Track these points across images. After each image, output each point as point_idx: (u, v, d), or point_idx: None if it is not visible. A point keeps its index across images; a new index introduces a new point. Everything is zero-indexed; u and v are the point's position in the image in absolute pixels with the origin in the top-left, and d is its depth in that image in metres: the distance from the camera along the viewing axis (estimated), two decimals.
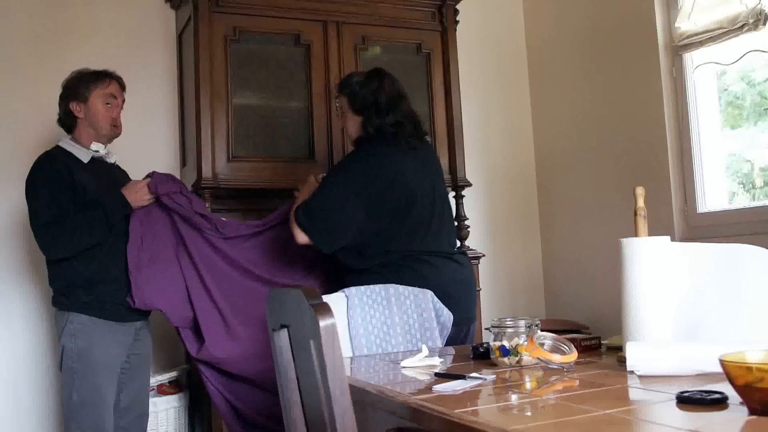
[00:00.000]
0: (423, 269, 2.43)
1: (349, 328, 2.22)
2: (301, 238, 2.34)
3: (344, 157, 2.56)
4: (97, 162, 2.60)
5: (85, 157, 2.55)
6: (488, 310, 3.80)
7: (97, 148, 2.59)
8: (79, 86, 2.56)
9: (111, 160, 2.68)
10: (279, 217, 2.74)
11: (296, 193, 2.69)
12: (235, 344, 2.51)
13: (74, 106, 2.55)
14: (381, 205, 2.35)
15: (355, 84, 2.48)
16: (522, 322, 1.72)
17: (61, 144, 2.57)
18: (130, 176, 2.79)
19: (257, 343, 2.49)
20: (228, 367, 2.53)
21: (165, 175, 2.67)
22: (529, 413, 1.26)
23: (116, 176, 2.69)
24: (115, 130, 2.64)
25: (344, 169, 2.44)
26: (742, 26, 2.92)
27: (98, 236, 2.46)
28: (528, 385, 1.51)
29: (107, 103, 2.59)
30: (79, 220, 2.42)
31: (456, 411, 1.20)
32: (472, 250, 3.58)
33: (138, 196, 2.53)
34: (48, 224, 2.39)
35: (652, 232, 1.69)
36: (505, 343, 1.69)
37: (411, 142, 2.47)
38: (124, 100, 2.70)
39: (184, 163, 3.43)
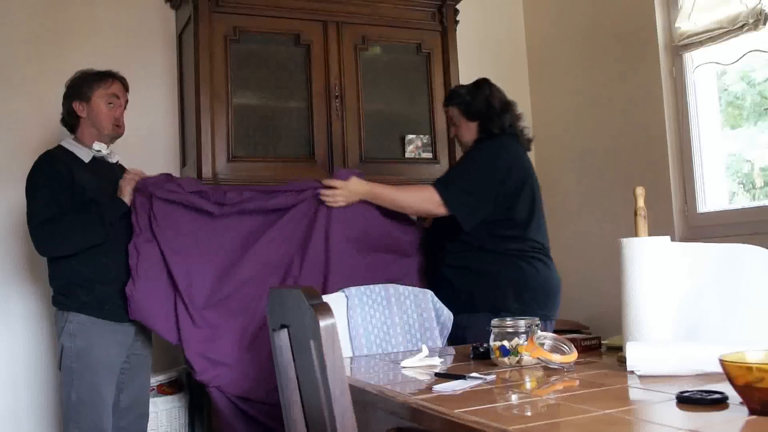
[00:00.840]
0: (550, 264, 2.58)
1: (349, 328, 2.23)
2: (438, 209, 2.46)
3: (479, 146, 2.62)
4: (99, 162, 2.60)
5: (86, 156, 2.56)
6: None
7: (99, 147, 2.59)
8: (82, 86, 2.56)
9: (113, 159, 2.68)
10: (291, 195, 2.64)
11: (330, 186, 2.60)
12: (219, 369, 2.47)
13: (77, 106, 2.55)
14: (516, 191, 2.51)
15: (465, 94, 2.64)
16: (522, 322, 1.72)
17: (63, 143, 2.57)
18: None
19: (242, 364, 2.47)
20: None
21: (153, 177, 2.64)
22: (529, 413, 1.26)
23: (118, 176, 2.69)
24: (117, 130, 2.64)
25: (483, 153, 2.56)
26: (742, 26, 2.92)
27: (93, 235, 2.46)
28: (528, 385, 1.51)
29: (110, 103, 2.60)
30: (74, 219, 2.43)
31: (456, 411, 1.20)
32: None
33: (126, 188, 2.52)
34: (44, 222, 2.40)
35: (652, 232, 1.69)
36: (505, 343, 1.69)
37: (526, 143, 2.69)
38: (127, 101, 2.70)
39: (184, 163, 3.43)
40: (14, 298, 3.14)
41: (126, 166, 2.84)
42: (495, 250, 2.50)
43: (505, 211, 2.51)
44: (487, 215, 2.49)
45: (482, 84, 2.67)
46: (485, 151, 2.56)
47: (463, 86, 2.75)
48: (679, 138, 3.25)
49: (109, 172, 2.64)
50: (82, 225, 2.44)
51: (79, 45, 3.30)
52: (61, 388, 2.51)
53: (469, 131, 2.64)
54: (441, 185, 2.50)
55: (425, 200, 2.49)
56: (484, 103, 2.61)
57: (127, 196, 2.52)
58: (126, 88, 2.67)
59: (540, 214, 2.61)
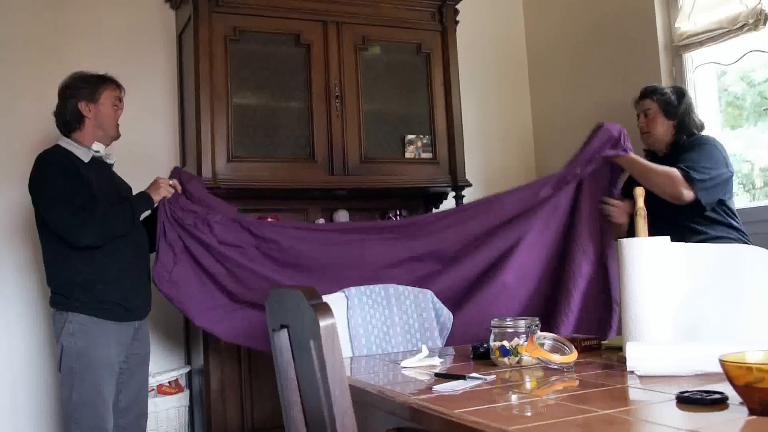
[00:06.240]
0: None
1: (349, 328, 2.22)
2: (689, 196, 2.56)
3: (701, 137, 2.77)
4: (97, 162, 2.60)
5: (85, 156, 2.56)
6: None
7: (98, 148, 2.59)
8: (88, 87, 2.57)
9: (110, 161, 2.68)
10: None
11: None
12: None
13: (84, 107, 2.55)
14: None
15: (671, 94, 2.80)
16: (522, 322, 1.72)
17: (60, 143, 2.57)
18: (130, 176, 2.79)
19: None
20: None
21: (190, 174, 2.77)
22: (529, 413, 1.26)
23: (114, 178, 2.70)
24: (118, 132, 2.66)
25: (714, 143, 2.72)
26: (742, 26, 2.92)
27: (125, 226, 2.50)
28: (528, 385, 1.51)
29: (114, 105, 2.61)
30: (108, 207, 2.47)
31: (456, 411, 1.20)
32: None
33: (159, 189, 2.59)
34: (76, 211, 2.40)
35: None
36: (505, 343, 1.69)
37: None
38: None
39: (184, 163, 3.43)
40: (13, 298, 3.14)
41: (126, 166, 2.85)
42: (712, 234, 2.62)
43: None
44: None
45: (685, 92, 2.84)
46: (715, 145, 2.70)
47: (663, 87, 2.88)
48: None
49: (106, 172, 2.64)
50: (116, 214, 2.48)
51: (79, 45, 3.30)
52: (60, 388, 2.51)
53: (664, 127, 2.78)
54: (691, 173, 2.59)
55: (673, 181, 2.55)
56: (686, 107, 2.78)
57: (157, 197, 2.58)
58: (123, 93, 2.69)
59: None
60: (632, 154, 2.66)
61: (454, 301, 2.57)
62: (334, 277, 2.59)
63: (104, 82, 2.60)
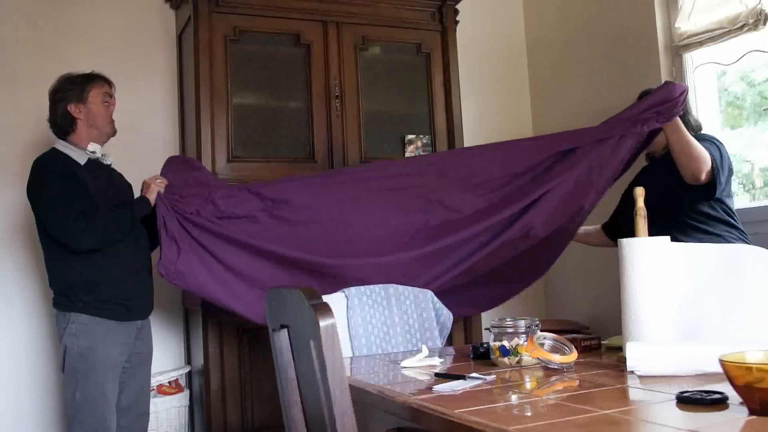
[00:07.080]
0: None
1: (349, 328, 2.23)
2: (699, 182, 2.49)
3: (704, 135, 2.70)
4: (94, 163, 2.60)
5: (81, 158, 2.56)
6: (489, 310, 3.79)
7: (94, 149, 2.59)
8: (75, 88, 2.56)
9: (107, 161, 2.68)
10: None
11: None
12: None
13: (73, 108, 2.55)
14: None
15: None
16: (522, 322, 1.72)
17: (56, 146, 2.57)
18: (129, 176, 2.79)
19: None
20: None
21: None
22: (529, 413, 1.26)
23: (113, 178, 2.70)
24: (113, 127, 2.65)
25: (718, 142, 2.65)
26: (742, 26, 2.93)
27: (124, 231, 2.51)
28: (528, 385, 1.51)
29: (104, 102, 2.60)
30: (108, 213, 2.48)
31: (456, 411, 1.21)
32: None
33: (151, 187, 2.58)
34: (78, 216, 2.40)
35: None
36: (505, 343, 1.69)
37: None
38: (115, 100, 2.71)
39: None
40: (16, 299, 3.14)
41: (126, 166, 2.84)
42: (709, 231, 2.58)
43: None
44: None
45: None
46: (719, 145, 2.64)
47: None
48: None
49: (104, 173, 2.64)
50: (117, 219, 2.49)
51: (79, 45, 3.30)
52: (63, 388, 2.51)
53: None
54: (716, 164, 2.51)
55: (706, 161, 2.45)
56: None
57: (152, 195, 2.56)
58: (113, 88, 2.68)
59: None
60: (678, 120, 2.47)
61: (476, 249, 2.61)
62: (349, 233, 2.61)
63: (91, 80, 2.60)
